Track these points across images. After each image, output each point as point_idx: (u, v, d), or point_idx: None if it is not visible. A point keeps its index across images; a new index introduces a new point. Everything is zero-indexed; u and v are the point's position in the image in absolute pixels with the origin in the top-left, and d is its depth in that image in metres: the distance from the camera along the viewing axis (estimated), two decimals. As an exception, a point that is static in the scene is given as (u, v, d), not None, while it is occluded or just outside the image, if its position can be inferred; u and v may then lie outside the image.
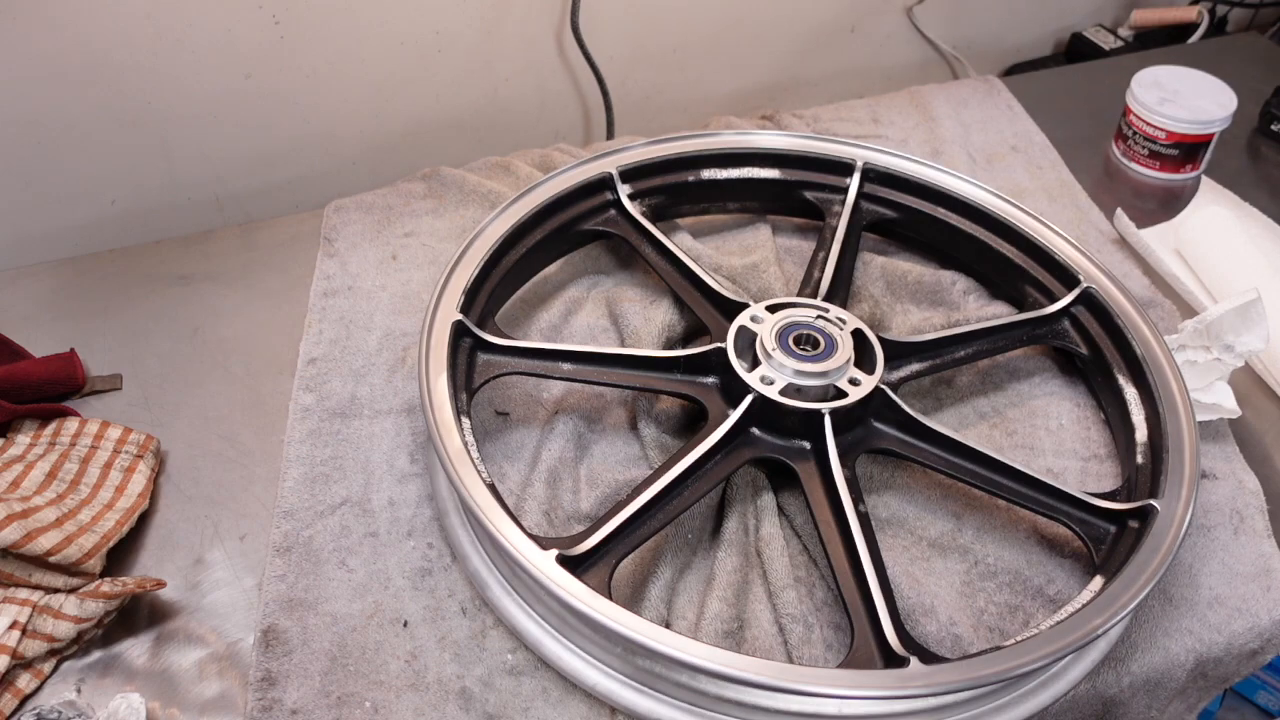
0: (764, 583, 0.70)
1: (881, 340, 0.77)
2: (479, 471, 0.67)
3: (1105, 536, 0.70)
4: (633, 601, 0.69)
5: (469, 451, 0.68)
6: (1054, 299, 0.85)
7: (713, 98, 1.28)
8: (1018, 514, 0.75)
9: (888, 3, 1.31)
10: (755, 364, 0.75)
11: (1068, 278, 0.85)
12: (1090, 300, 0.83)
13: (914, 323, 0.87)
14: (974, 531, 0.74)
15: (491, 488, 0.66)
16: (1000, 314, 0.87)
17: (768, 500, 0.74)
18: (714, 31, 1.23)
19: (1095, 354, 0.82)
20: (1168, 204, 1.06)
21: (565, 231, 0.89)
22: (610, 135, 1.21)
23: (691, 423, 0.81)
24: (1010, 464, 0.72)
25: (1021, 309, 0.88)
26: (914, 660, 0.59)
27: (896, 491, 0.77)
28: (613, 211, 0.91)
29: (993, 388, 0.85)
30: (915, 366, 0.81)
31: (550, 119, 1.22)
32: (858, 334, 0.77)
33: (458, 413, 0.70)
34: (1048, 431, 0.81)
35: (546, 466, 0.76)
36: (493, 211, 0.85)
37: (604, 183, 0.90)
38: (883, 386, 0.74)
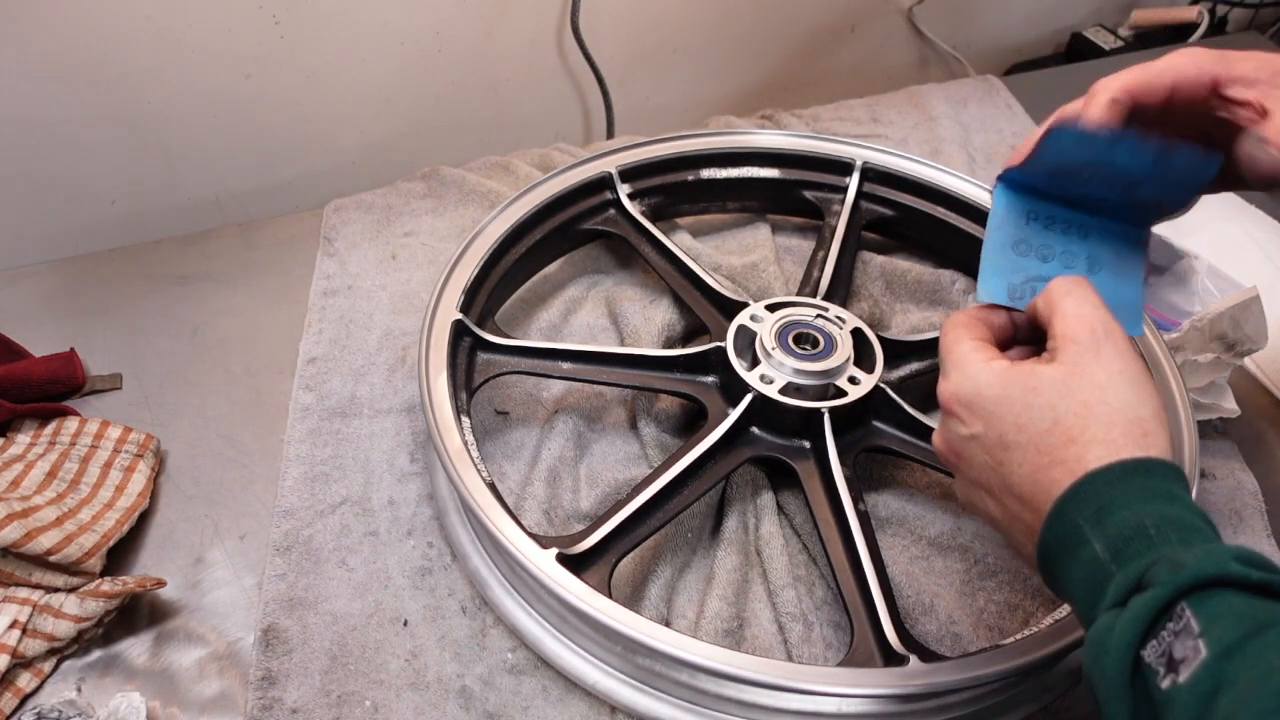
0: (764, 581, 0.70)
1: (881, 339, 0.77)
2: (479, 471, 0.67)
3: (1105, 535, 0.70)
4: (633, 600, 0.69)
5: (469, 451, 0.68)
6: (1053, 298, 0.85)
7: (713, 98, 1.28)
8: (1017, 513, 0.75)
9: (888, 3, 1.31)
10: (755, 363, 0.75)
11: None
12: None
13: (914, 322, 0.87)
14: (973, 530, 0.74)
15: (491, 487, 0.66)
16: (1000, 313, 0.87)
17: (767, 499, 0.74)
18: (714, 31, 1.23)
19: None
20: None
21: (565, 231, 0.89)
22: (610, 135, 1.21)
23: (691, 422, 0.81)
24: None
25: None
26: (913, 659, 0.59)
27: (896, 490, 0.77)
28: (612, 211, 0.91)
29: (992, 387, 0.85)
30: (915, 365, 0.81)
31: (550, 119, 1.22)
32: (857, 333, 0.77)
33: (457, 412, 0.70)
34: (1047, 430, 0.81)
35: (546, 465, 0.76)
36: (492, 211, 0.85)
37: (603, 182, 0.90)
38: (882, 385, 0.74)
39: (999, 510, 0.51)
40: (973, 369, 0.52)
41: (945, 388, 0.53)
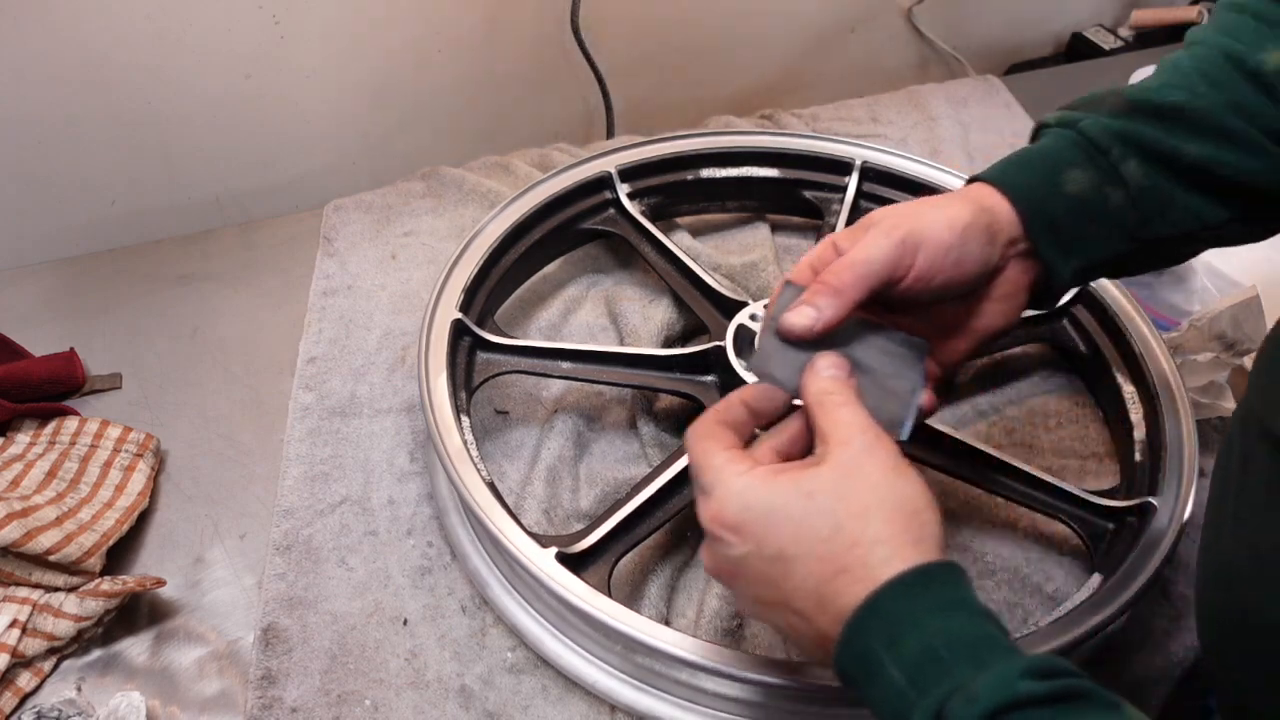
0: (763, 581, 0.70)
1: None
2: (478, 470, 0.67)
3: (1104, 534, 0.70)
4: (632, 599, 0.69)
5: (468, 450, 0.68)
6: (1054, 297, 0.85)
7: (713, 97, 1.28)
8: (1016, 512, 0.75)
9: (888, 3, 1.31)
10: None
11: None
12: (1088, 297, 0.83)
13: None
14: (972, 530, 0.74)
15: (491, 486, 0.66)
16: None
17: (767, 498, 0.74)
18: (714, 31, 1.23)
19: (1093, 351, 0.82)
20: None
21: (564, 231, 0.89)
22: (610, 135, 1.21)
23: (691, 420, 0.81)
24: (1009, 461, 0.71)
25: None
26: None
27: (896, 490, 0.77)
28: (612, 211, 0.91)
29: (991, 386, 0.85)
30: None
31: (550, 119, 1.22)
32: None
33: (457, 411, 0.70)
34: (1046, 430, 0.81)
35: (546, 465, 0.76)
36: (492, 211, 0.85)
37: (603, 182, 0.90)
38: None
39: (784, 622, 0.48)
40: (735, 484, 0.48)
41: (707, 509, 0.49)
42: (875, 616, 0.44)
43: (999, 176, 0.57)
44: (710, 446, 0.51)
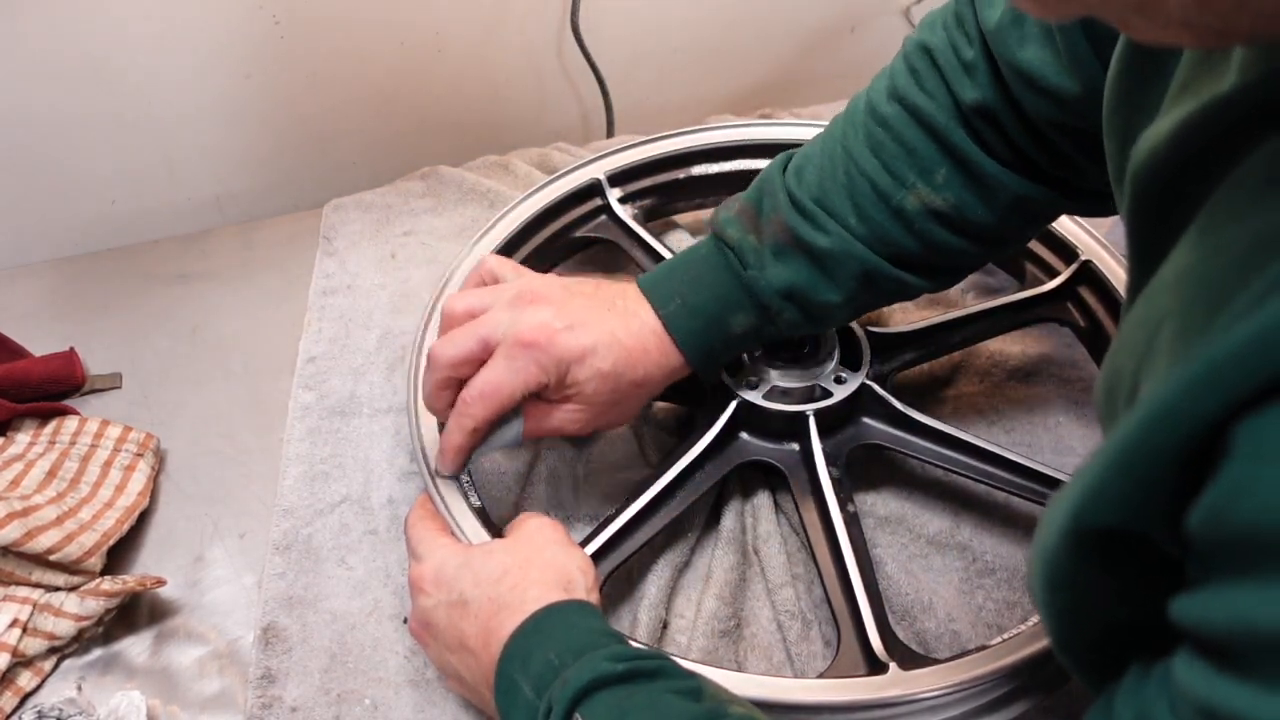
0: (763, 580, 0.70)
1: (869, 333, 0.76)
2: (466, 498, 0.67)
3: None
4: (631, 600, 0.69)
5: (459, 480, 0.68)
6: (1055, 275, 0.83)
7: (712, 97, 1.28)
8: (1015, 511, 0.75)
9: (887, 3, 1.31)
10: (740, 367, 0.74)
11: (1067, 253, 0.83)
12: (1090, 274, 0.82)
13: (913, 321, 0.87)
14: (972, 528, 0.74)
15: (480, 512, 0.66)
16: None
17: (764, 498, 0.74)
18: (714, 32, 1.23)
19: (1095, 330, 0.81)
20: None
21: (558, 240, 0.88)
22: (610, 134, 1.21)
23: (687, 423, 0.81)
24: (1003, 454, 0.70)
25: (1023, 289, 0.86)
26: (893, 666, 0.59)
27: (896, 488, 0.77)
28: (604, 217, 0.90)
29: (991, 386, 0.85)
30: (909, 355, 0.79)
31: (550, 119, 1.22)
32: (844, 329, 0.76)
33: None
34: (1046, 429, 0.81)
35: (547, 465, 0.76)
36: (491, 211, 0.85)
37: (593, 189, 0.89)
38: (869, 382, 0.73)
39: (463, 666, 0.57)
40: (441, 551, 0.61)
41: (414, 570, 0.61)
42: (516, 644, 0.53)
43: (672, 323, 0.65)
44: (429, 525, 0.64)
